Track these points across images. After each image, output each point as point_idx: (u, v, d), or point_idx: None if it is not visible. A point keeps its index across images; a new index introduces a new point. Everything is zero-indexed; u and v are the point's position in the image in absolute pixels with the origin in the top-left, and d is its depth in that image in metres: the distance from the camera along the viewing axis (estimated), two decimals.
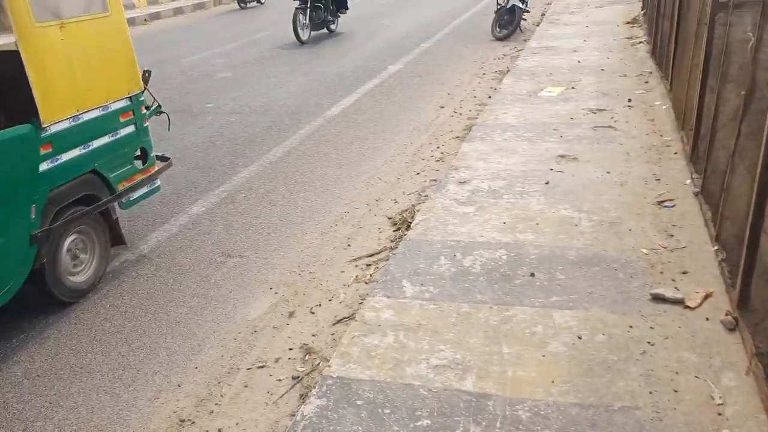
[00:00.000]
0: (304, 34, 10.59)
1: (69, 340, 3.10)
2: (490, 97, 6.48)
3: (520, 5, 9.72)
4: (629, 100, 5.56)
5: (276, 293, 3.42)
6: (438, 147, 5.42)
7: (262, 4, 19.35)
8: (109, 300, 3.42)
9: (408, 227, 3.83)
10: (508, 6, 9.79)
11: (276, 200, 4.60)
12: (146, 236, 4.13)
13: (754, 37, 2.65)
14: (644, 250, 3.14)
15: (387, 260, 3.47)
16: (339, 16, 11.71)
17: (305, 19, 10.54)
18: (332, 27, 11.66)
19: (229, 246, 3.95)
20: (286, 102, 7.21)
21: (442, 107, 6.61)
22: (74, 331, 3.16)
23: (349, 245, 3.88)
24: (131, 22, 15.89)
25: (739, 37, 3.07)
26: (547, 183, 4.06)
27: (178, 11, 17.90)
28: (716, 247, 2.99)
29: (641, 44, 7.77)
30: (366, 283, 3.39)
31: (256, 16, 16.03)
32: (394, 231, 3.98)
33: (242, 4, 18.60)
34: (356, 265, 3.63)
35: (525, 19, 10.24)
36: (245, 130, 6.25)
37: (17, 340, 3.12)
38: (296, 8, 10.55)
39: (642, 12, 9.27)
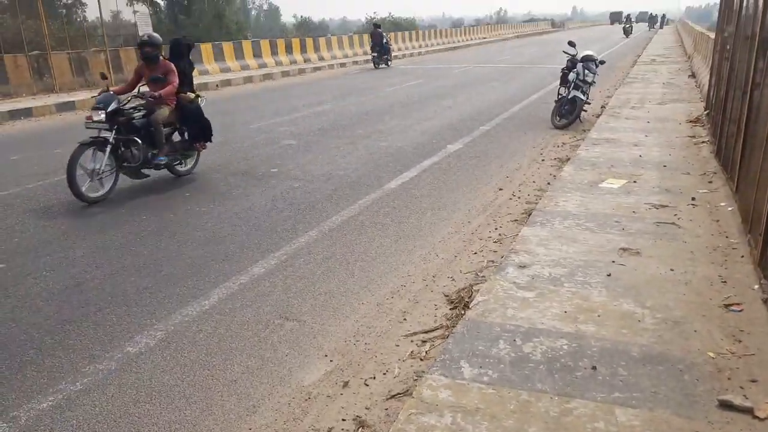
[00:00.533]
0: (99, 187, 6.32)
1: (130, 389, 3.17)
2: (549, 183, 6.54)
3: (582, 97, 9.92)
4: (693, 199, 5.51)
5: (331, 361, 3.44)
6: (496, 228, 5.46)
7: (388, 66, 22.80)
8: (170, 352, 3.51)
9: (465, 307, 3.83)
10: (570, 96, 9.99)
11: (334, 267, 4.69)
12: (208, 292, 4.25)
13: None
14: (711, 354, 3.05)
15: (444, 338, 3.47)
16: (196, 152, 7.47)
17: (100, 163, 6.22)
18: (181, 169, 7.32)
19: (286, 309, 4.02)
20: (347, 172, 7.43)
21: (501, 189, 6.70)
22: (135, 381, 3.24)
23: (404, 319, 3.90)
24: (204, 87, 16.89)
25: None
26: (609, 275, 4.02)
27: (248, 80, 18.92)
28: None
29: (704, 144, 7.75)
30: (421, 359, 3.38)
31: (320, 90, 16.75)
32: (450, 309, 3.98)
33: (377, 66, 23.22)
34: (411, 340, 3.63)
35: (585, 111, 10.41)
36: (307, 197, 6.46)
37: (81, 384, 3.21)
38: (80, 144, 6.16)
39: (705, 112, 9.30)
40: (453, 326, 3.58)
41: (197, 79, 17.75)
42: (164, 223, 5.67)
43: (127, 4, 18.36)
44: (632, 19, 48.52)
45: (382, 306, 4.09)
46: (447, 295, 4.20)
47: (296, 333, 3.74)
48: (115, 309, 4.03)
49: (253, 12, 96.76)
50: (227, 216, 5.85)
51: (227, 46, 20.64)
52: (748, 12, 6.01)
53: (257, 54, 21.61)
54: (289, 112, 12.45)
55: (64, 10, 31.77)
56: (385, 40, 23.23)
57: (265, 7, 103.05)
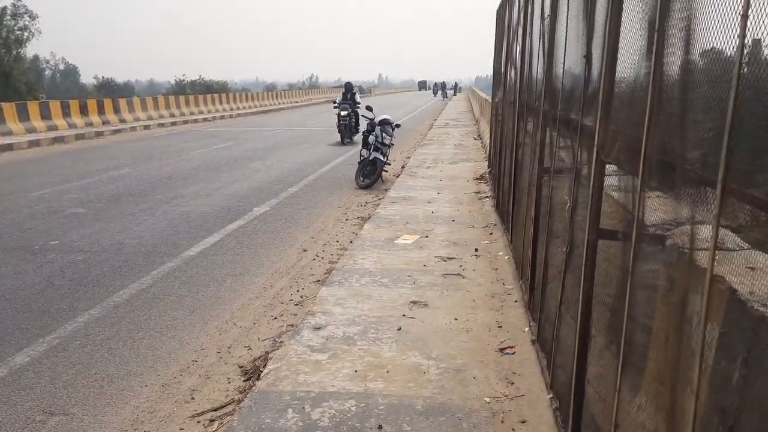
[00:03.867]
0: None
1: None
2: (351, 242, 6.67)
3: (381, 158, 10.45)
4: (476, 250, 5.97)
5: None
6: (298, 290, 5.38)
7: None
8: None
9: (260, 376, 3.66)
10: (371, 158, 10.48)
11: (116, 348, 4.25)
12: None
13: (569, 201, 3.00)
14: (487, 399, 3.22)
15: (232, 414, 3.26)
16: None
17: None
18: None
19: (52, 402, 3.52)
20: (141, 241, 6.92)
21: (305, 251, 6.68)
22: None
23: (192, 398, 3.61)
24: None
25: (560, 199, 3.46)
26: (399, 329, 4.13)
27: (34, 143, 17.18)
28: (550, 396, 3.14)
29: (487, 198, 8.53)
30: None
31: (119, 153, 15.72)
32: (244, 381, 3.78)
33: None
34: (198, 421, 3.36)
35: (386, 171, 10.96)
36: (91, 270, 5.86)
37: None
38: None
39: (488, 170, 10.29)
40: (242, 400, 3.39)
41: None
42: None
43: None
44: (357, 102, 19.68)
45: (169, 386, 3.76)
46: (242, 366, 4.00)
47: (62, 428, 3.27)
48: None
49: (47, 72, 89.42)
50: None
51: (8, 107, 18.58)
52: (510, 81, 6.83)
53: (46, 116, 19.75)
54: (79, 177, 11.43)
55: None
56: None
57: (62, 66, 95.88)
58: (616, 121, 2.27)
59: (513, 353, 3.74)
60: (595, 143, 2.37)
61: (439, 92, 62.47)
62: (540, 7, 4.43)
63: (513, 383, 3.38)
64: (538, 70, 4.52)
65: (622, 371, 2.06)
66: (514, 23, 6.56)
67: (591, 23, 2.75)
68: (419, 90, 63.89)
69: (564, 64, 3.39)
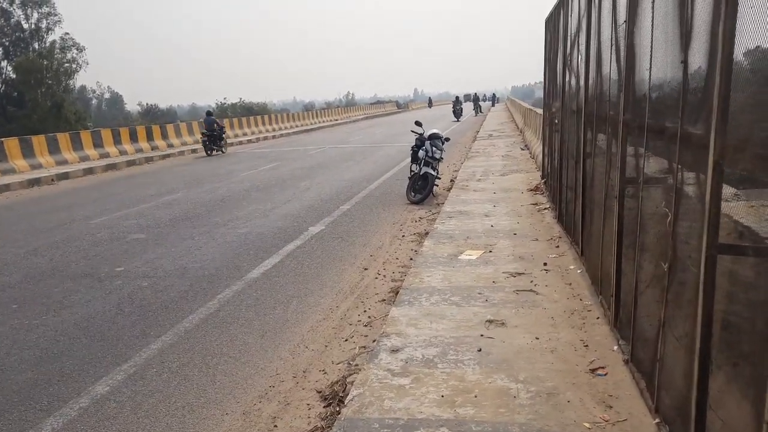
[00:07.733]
0: None
1: None
2: (412, 259, 6.57)
3: (432, 172, 10.35)
4: (545, 264, 5.78)
5: None
6: (365, 311, 5.30)
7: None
8: None
9: (340, 402, 3.58)
10: (422, 173, 10.39)
11: (192, 375, 4.23)
12: (39, 423, 3.60)
13: (671, 213, 2.83)
14: (587, 424, 3.05)
15: None
16: None
17: None
18: None
19: None
20: (203, 264, 6.97)
21: (366, 269, 6.61)
22: None
23: (275, 425, 3.55)
24: (36, 182, 15.47)
25: (650, 210, 3.29)
26: (479, 350, 3.99)
27: (89, 171, 17.68)
28: (657, 420, 2.95)
29: (546, 210, 8.31)
30: None
31: (170, 177, 16.03)
32: (324, 407, 3.70)
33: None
34: None
35: (437, 185, 10.84)
36: (158, 296, 5.91)
37: None
38: None
39: (542, 181, 10.06)
40: (329, 427, 3.31)
41: (28, 174, 16.24)
42: None
43: None
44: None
45: (249, 414, 3.71)
46: (320, 391, 3.92)
47: None
48: None
49: (94, 101, 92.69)
50: (64, 328, 5.15)
51: (63, 137, 19.23)
52: (571, 90, 6.65)
53: (98, 144, 20.37)
54: (136, 203, 11.68)
55: None
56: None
57: (107, 95, 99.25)
58: (740, 127, 2.11)
59: (605, 374, 3.56)
60: (711, 152, 2.22)
61: (462, 109, 42.74)
62: (610, 13, 4.28)
63: (611, 407, 3.21)
64: (610, 78, 4.36)
65: None
66: (573, 31, 6.40)
67: (688, 29, 2.61)
68: (453, 107, 44.28)
69: (650, 71, 3.24)
